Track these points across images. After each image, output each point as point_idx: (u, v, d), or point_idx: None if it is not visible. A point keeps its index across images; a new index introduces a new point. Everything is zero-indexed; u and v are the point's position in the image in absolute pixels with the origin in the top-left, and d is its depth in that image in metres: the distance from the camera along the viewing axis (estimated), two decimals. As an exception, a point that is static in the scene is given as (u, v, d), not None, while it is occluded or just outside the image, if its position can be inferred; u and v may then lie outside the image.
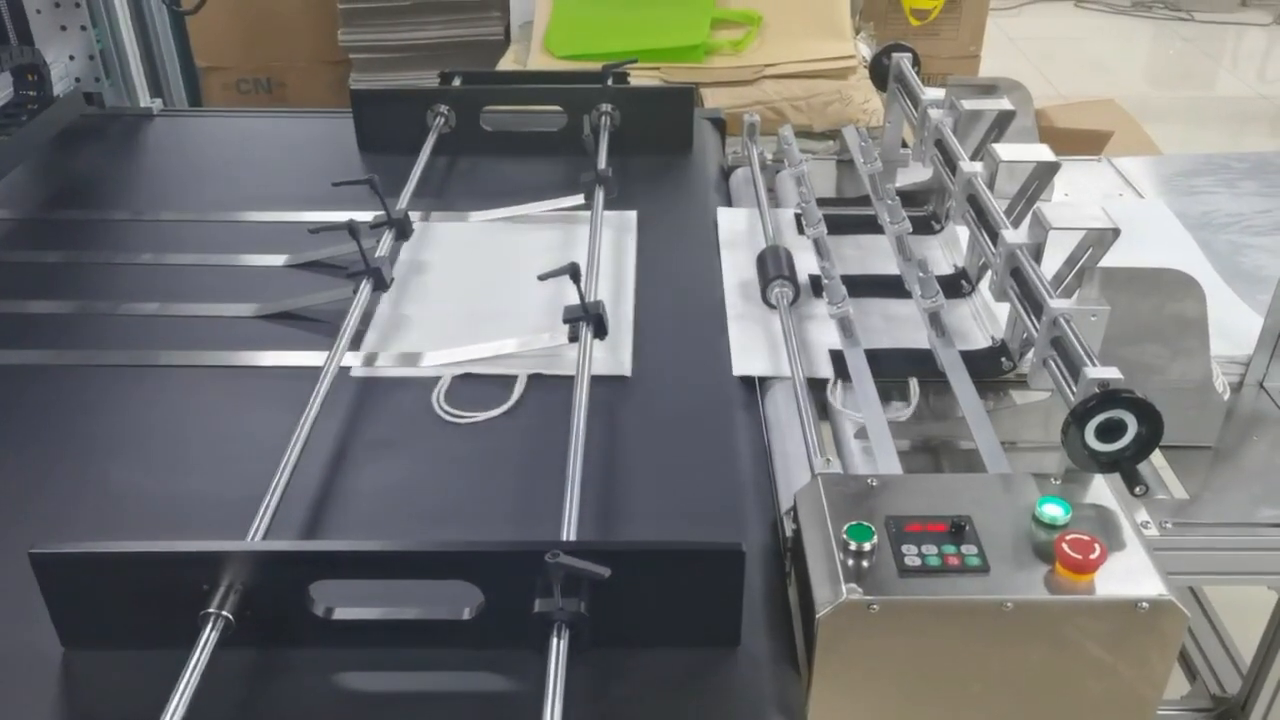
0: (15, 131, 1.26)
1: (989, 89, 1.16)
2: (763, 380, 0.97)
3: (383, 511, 0.81)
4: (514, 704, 0.66)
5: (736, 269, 1.12)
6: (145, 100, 1.50)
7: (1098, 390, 0.72)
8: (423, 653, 0.68)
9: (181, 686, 0.60)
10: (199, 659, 0.62)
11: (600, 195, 1.17)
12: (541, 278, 0.95)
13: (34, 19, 1.40)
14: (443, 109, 1.37)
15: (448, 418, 0.90)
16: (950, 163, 1.07)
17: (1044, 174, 1.00)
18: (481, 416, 0.90)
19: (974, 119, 1.14)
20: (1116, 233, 0.86)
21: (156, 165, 1.40)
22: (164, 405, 0.93)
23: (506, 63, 2.41)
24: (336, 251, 1.12)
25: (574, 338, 0.94)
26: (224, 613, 0.65)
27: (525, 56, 2.39)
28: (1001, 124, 1.12)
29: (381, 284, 1.02)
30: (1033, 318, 0.85)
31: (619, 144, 1.33)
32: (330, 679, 0.67)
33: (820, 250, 1.08)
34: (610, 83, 1.40)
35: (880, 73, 1.33)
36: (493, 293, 1.09)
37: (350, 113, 1.41)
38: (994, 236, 0.94)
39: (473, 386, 0.94)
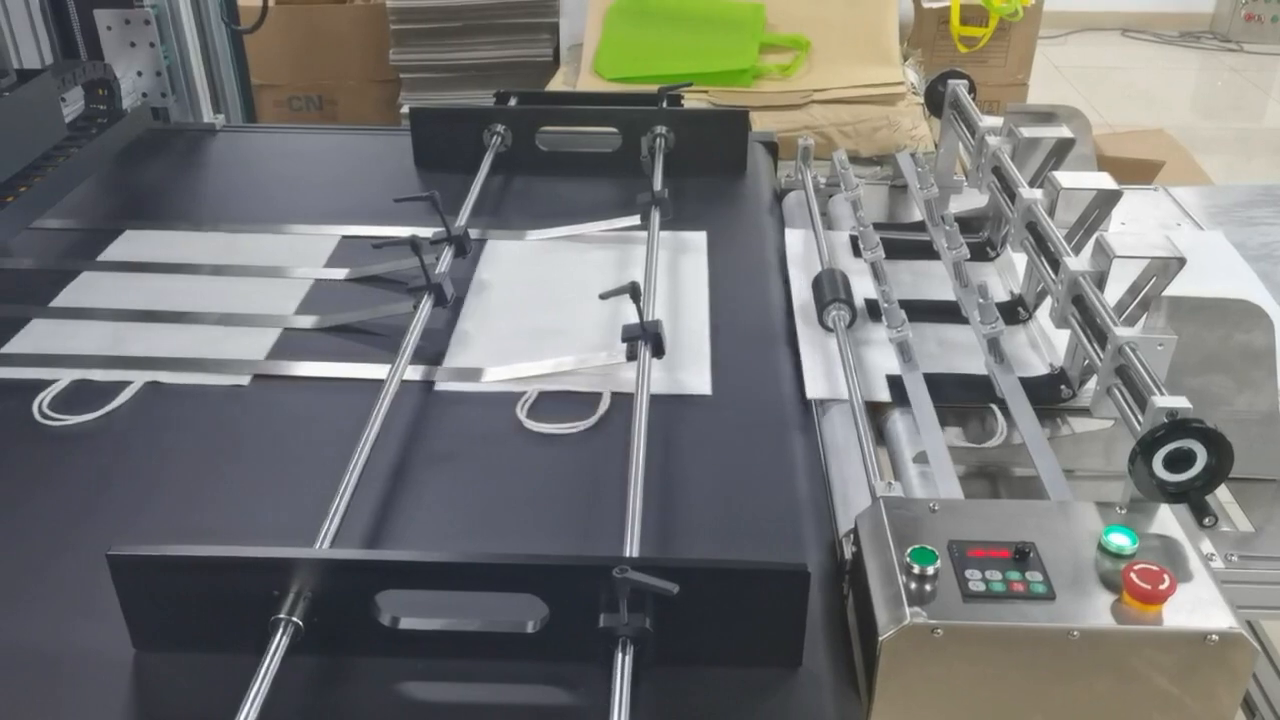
0: (85, 144, 1.29)
1: (1047, 116, 1.16)
2: (819, 402, 0.97)
3: (447, 523, 0.82)
4: (576, 718, 0.66)
5: (794, 292, 1.13)
6: (208, 116, 1.53)
7: (1166, 420, 0.72)
8: (485, 664, 0.69)
9: (253, 693, 0.61)
10: (270, 665, 0.63)
11: (656, 216, 1.18)
12: (603, 296, 0.96)
13: (104, 35, 1.43)
14: (499, 128, 1.39)
15: (534, 428, 0.91)
16: (1009, 189, 1.07)
17: (1105, 202, 1.00)
18: (563, 429, 0.91)
19: (1032, 146, 1.14)
20: (1182, 262, 0.85)
21: (219, 179, 1.43)
22: (226, 414, 0.95)
23: (556, 84, 2.44)
24: (396, 266, 1.13)
25: (632, 356, 0.95)
26: (294, 619, 0.66)
27: (574, 78, 2.42)
28: (1060, 152, 1.12)
29: (442, 300, 1.03)
30: (1096, 346, 0.85)
31: (673, 166, 1.34)
32: (393, 688, 0.68)
33: (877, 274, 1.08)
34: (664, 105, 1.42)
35: (935, 99, 1.33)
36: (551, 310, 1.10)
37: (405, 130, 1.44)
38: (1054, 264, 0.94)
39: (553, 403, 0.95)
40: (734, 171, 1.41)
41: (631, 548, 0.72)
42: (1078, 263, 0.90)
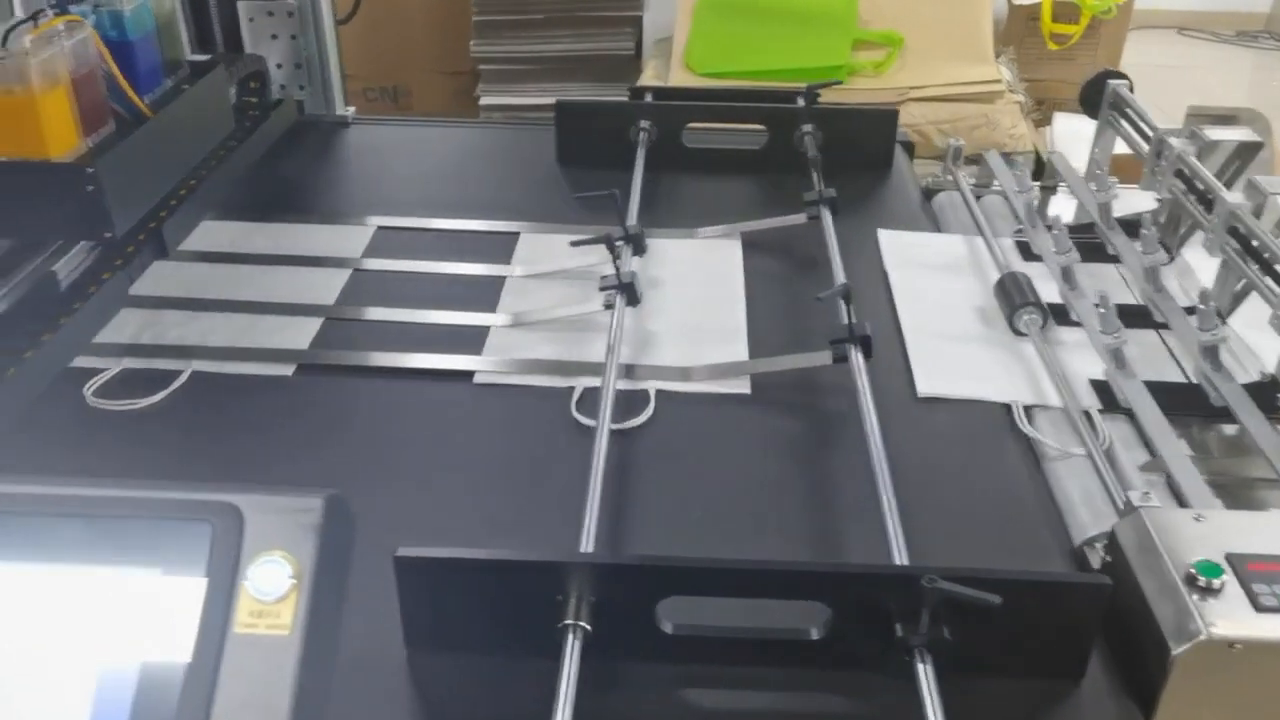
0: (245, 138, 1.29)
1: (1228, 118, 1.14)
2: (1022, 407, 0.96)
3: (672, 525, 0.81)
4: (863, 728, 0.66)
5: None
6: (341, 108, 1.52)
7: None
8: (764, 671, 0.68)
9: (561, 698, 0.60)
10: (569, 669, 0.62)
11: (828, 216, 1.17)
12: (819, 299, 0.95)
13: (246, 27, 1.42)
14: (645, 124, 1.38)
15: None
16: (1197, 193, 1.06)
17: (1313, 208, 0.99)
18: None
19: (1210, 149, 1.13)
20: None
21: (360, 171, 1.43)
22: (422, 410, 0.94)
23: (646, 78, 2.43)
24: (569, 265, 1.13)
25: (840, 358, 0.94)
26: (582, 623, 0.65)
27: (665, 72, 2.41)
28: (1245, 155, 1.11)
29: (634, 299, 1.02)
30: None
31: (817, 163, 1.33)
32: (673, 694, 0.67)
33: (1068, 278, 1.07)
34: (801, 102, 1.41)
35: (1092, 99, 1.32)
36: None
37: (535, 125, 1.43)
38: (1268, 270, 0.93)
39: (756, 403, 0.95)
40: (880, 170, 1.40)
41: (899, 554, 0.71)
42: (1305, 270, 0.89)
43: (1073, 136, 2.51)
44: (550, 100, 2.71)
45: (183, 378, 0.93)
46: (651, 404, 0.94)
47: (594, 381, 0.95)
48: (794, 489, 0.86)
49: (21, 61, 0.88)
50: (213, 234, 1.17)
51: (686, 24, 2.43)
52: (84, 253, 1.02)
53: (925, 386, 0.97)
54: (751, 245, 1.23)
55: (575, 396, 0.94)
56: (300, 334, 1.01)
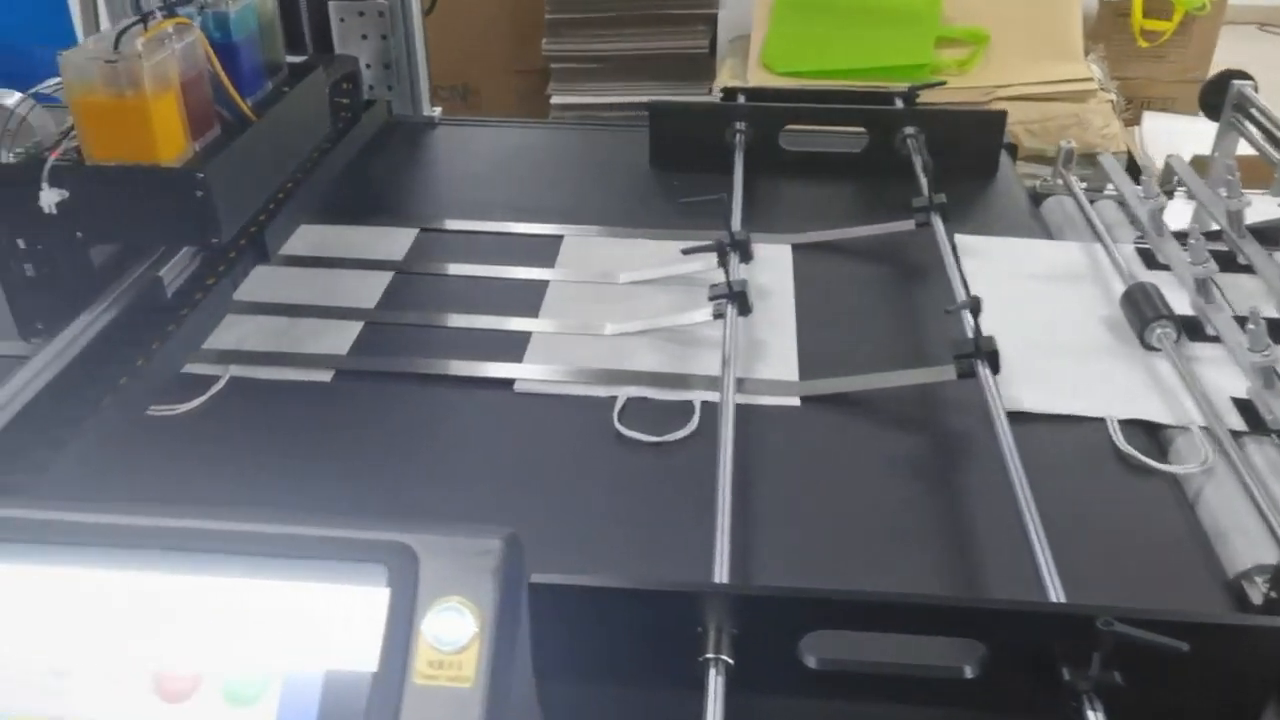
0: (340, 140, 1.27)
1: (1370, 123, 1.08)
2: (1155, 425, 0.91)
3: (797, 554, 0.78)
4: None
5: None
6: (427, 109, 1.50)
7: None
8: (908, 709, 0.65)
9: (707, 736, 0.57)
10: (714, 706, 0.59)
11: (940, 223, 1.13)
12: (948, 311, 0.91)
13: (336, 27, 1.41)
14: (741, 126, 1.34)
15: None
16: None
17: None
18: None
19: (1350, 155, 1.07)
20: None
21: (451, 174, 1.41)
22: (525, 422, 0.91)
23: (723, 77, 2.40)
24: (675, 271, 1.10)
25: (965, 374, 0.90)
26: (724, 657, 0.62)
27: (742, 71, 2.37)
28: (1392, 161, 1.05)
29: (745, 308, 0.99)
30: None
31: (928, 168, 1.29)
32: (817, 733, 0.64)
33: (1203, 290, 1.02)
34: (899, 103, 1.36)
35: (1213, 100, 1.26)
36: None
37: (624, 126, 1.41)
38: None
39: (869, 417, 0.91)
40: (985, 175, 1.35)
41: (1054, 590, 0.67)
42: None
43: (1162, 136, 2.44)
44: (623, 99, 2.72)
45: (220, 384, 0.92)
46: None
47: (637, 391, 0.92)
48: (921, 512, 0.82)
49: (134, 65, 0.87)
50: (311, 238, 1.16)
51: (764, 22, 2.39)
52: (187, 258, 1.01)
53: (1043, 402, 0.92)
54: (853, 252, 1.19)
55: (618, 407, 0.91)
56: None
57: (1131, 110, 2.48)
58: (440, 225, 1.22)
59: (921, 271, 1.14)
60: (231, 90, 0.99)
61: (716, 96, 1.44)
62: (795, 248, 1.19)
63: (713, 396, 0.91)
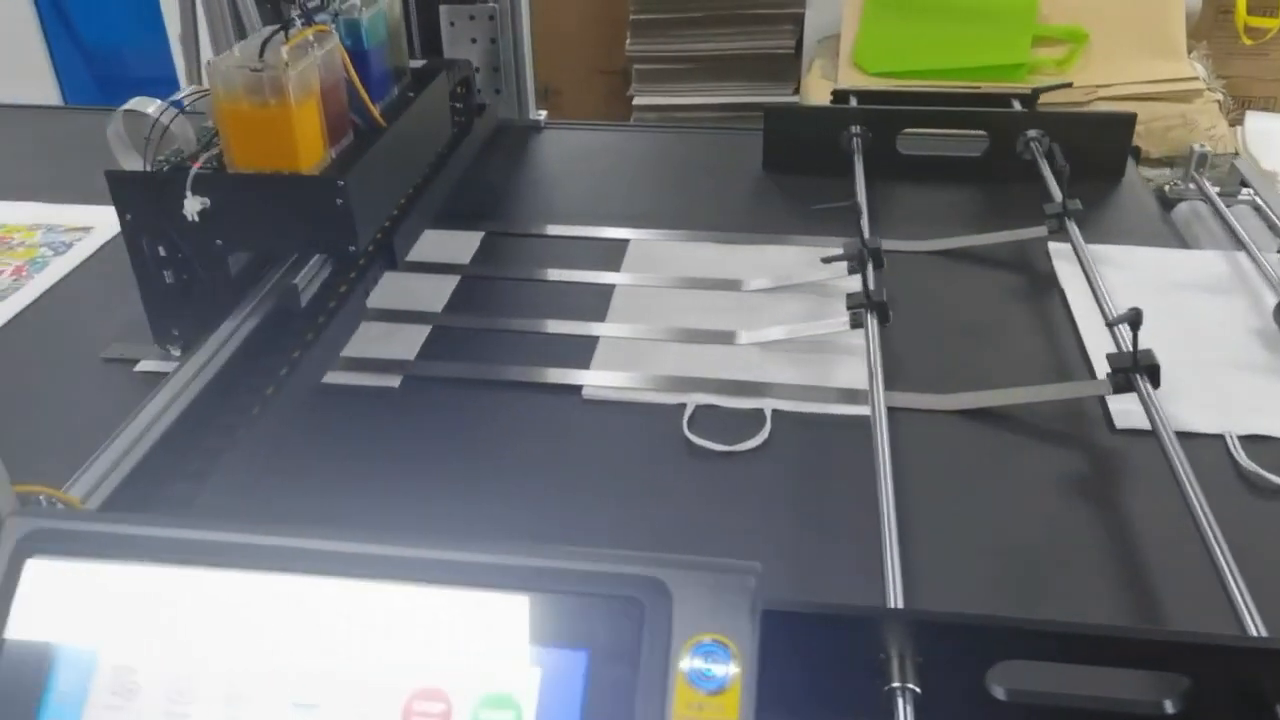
0: (459, 145, 1.27)
1: None
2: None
3: (969, 573, 0.75)
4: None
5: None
6: (533, 112, 1.50)
7: None
8: (1102, 745, 0.62)
9: (903, 772, 0.55)
10: (906, 739, 0.57)
11: (1076, 230, 1.09)
12: (1109, 324, 0.88)
13: (446, 31, 1.41)
14: (857, 129, 1.32)
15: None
16: None
17: None
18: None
19: None
20: None
21: (561, 177, 1.40)
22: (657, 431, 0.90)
23: (813, 76, 2.37)
24: (804, 279, 1.08)
25: (1121, 388, 0.87)
26: (911, 686, 0.60)
27: (832, 72, 2.34)
28: None
29: (885, 316, 0.96)
30: None
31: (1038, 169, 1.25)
32: (1006, 767, 0.62)
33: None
34: (1017, 105, 1.33)
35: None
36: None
37: (732, 130, 1.39)
38: None
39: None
40: (1111, 179, 1.31)
41: (1254, 620, 0.64)
42: None
43: (1266, 137, 2.36)
44: (705, 100, 2.70)
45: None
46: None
47: (707, 399, 0.91)
48: (1082, 534, 0.79)
49: (279, 74, 0.87)
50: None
51: (855, 21, 2.35)
52: (317, 265, 1.01)
53: (1201, 422, 0.88)
54: (979, 260, 1.16)
55: (687, 414, 0.90)
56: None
57: (1234, 110, 2.41)
58: (563, 230, 1.21)
59: (1049, 280, 1.11)
60: (365, 97, 0.99)
61: (799, 98, 1.41)
62: (920, 255, 1.16)
63: (784, 405, 0.90)
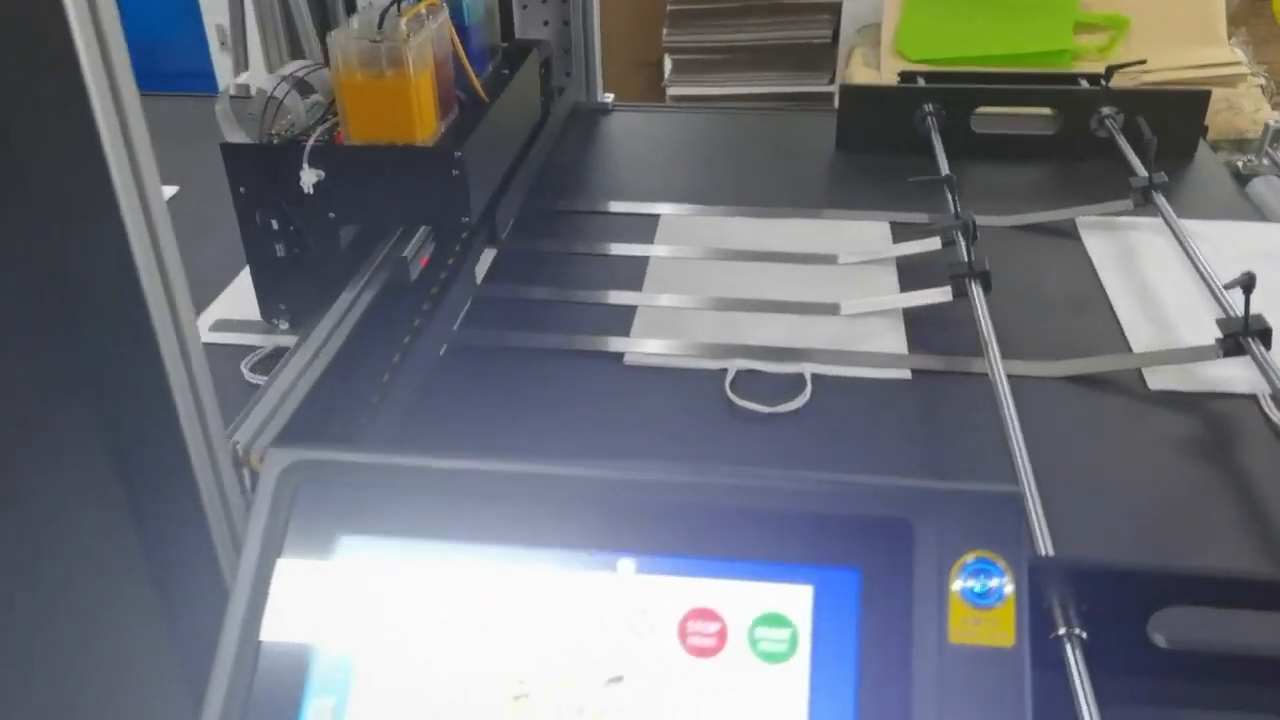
0: (544, 127, 1.28)
1: None
2: None
3: (1091, 525, 0.76)
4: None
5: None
6: (601, 94, 1.51)
7: None
8: (1262, 690, 0.63)
9: (1085, 715, 0.56)
10: (1082, 683, 0.58)
11: (1166, 204, 1.10)
12: (1226, 287, 0.89)
13: (519, 13, 1.42)
14: (930, 108, 1.33)
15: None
16: None
17: None
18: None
19: None
20: None
21: (637, 157, 1.41)
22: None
23: (855, 64, 2.37)
24: (897, 252, 1.09)
25: (1230, 351, 0.88)
26: (1077, 632, 0.61)
27: (874, 60, 2.35)
28: None
29: (988, 285, 0.97)
30: None
31: (1113, 147, 1.26)
32: (1168, 715, 0.63)
33: None
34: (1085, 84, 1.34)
35: None
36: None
37: (806, 110, 1.40)
38: None
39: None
40: (1183, 156, 1.32)
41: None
42: None
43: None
44: (740, 90, 2.70)
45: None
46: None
47: (749, 364, 0.93)
48: (1208, 490, 0.80)
49: (398, 46, 0.87)
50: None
51: (896, 9, 2.36)
52: (421, 239, 1.02)
53: None
54: (1061, 234, 1.17)
55: (729, 377, 0.91)
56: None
57: (1276, 96, 2.42)
58: (644, 209, 1.22)
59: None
60: (470, 72, 1.00)
61: (835, 88, 1.42)
62: (1008, 229, 1.17)
63: (824, 369, 0.92)
